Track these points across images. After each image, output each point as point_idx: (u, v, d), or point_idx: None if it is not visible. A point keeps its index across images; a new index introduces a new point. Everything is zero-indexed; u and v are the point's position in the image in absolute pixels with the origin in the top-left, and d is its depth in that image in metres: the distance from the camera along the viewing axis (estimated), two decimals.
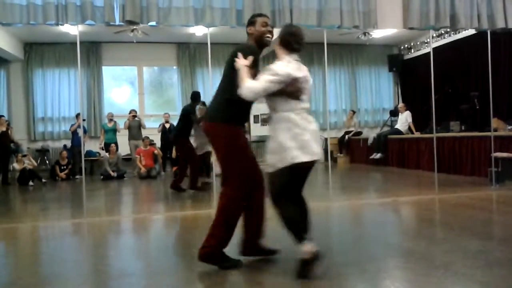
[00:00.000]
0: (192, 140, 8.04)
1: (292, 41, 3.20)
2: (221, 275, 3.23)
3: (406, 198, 6.60)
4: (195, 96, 7.99)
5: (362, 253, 3.71)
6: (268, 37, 3.43)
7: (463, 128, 9.42)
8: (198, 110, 8.15)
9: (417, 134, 10.75)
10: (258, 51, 3.39)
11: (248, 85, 3.05)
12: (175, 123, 8.92)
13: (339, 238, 4.50)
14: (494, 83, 7.26)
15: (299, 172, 3.14)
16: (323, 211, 5.91)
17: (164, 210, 6.74)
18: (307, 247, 3.01)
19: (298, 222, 3.15)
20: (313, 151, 3.09)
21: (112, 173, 11.18)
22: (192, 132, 8.04)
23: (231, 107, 3.29)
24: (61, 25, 5.92)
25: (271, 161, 3.17)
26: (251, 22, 3.48)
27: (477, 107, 9.25)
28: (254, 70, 3.21)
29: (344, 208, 6.23)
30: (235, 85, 3.16)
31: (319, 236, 4.64)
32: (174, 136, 8.47)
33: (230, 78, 3.25)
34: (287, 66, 3.13)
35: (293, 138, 3.07)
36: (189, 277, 3.27)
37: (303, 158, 3.05)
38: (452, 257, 3.40)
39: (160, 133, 11.94)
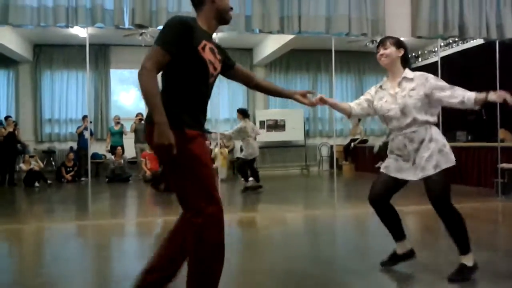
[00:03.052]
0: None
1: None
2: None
3: (412, 207, 6.56)
4: None
5: (367, 262, 3.69)
6: (231, 15, 2.64)
7: (469, 138, 9.37)
8: None
9: None
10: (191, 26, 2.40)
11: None
12: None
13: (343, 246, 4.48)
14: None
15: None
16: (328, 219, 5.89)
17: (168, 214, 6.74)
18: (472, 257, 3.16)
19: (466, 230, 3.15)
20: None
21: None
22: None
23: (176, 107, 2.37)
24: (71, 27, 5.97)
25: (434, 163, 3.10)
26: None
27: (484, 118, 9.20)
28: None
29: (349, 216, 6.21)
30: (179, 75, 2.41)
31: (323, 244, 4.64)
32: None
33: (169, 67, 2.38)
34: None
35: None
36: None
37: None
38: None
39: None
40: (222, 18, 2.58)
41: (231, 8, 2.62)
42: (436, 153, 3.10)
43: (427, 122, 3.16)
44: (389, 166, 3.28)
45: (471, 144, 8.89)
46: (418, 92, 3.13)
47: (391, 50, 3.27)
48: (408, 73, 3.24)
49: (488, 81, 9.18)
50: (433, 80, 3.16)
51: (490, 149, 8.06)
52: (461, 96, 3.05)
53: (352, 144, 13.11)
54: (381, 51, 3.30)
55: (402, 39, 3.39)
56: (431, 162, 3.08)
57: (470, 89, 3.08)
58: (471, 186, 8.42)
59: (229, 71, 2.81)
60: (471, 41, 9.67)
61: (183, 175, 2.35)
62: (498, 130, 7.45)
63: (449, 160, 3.13)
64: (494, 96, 2.97)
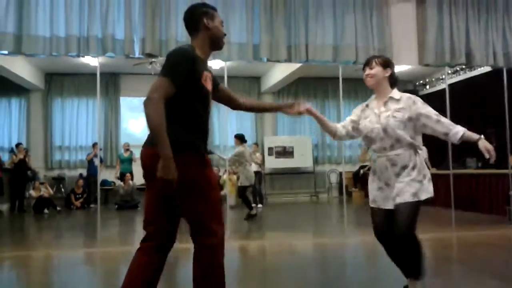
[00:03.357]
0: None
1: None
2: None
3: (423, 235, 6.42)
4: None
5: None
6: (224, 41, 2.68)
7: (479, 165, 9.31)
8: None
9: (433, 170, 10.63)
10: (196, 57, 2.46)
11: None
12: None
13: (354, 276, 4.42)
14: (511, 120, 7.21)
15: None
16: (339, 247, 5.83)
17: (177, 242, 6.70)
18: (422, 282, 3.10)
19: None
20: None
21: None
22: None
23: (188, 133, 2.41)
24: (82, 56, 6.08)
25: (413, 190, 2.99)
26: (207, 14, 2.56)
27: (494, 144, 9.13)
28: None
29: (360, 244, 6.13)
30: (183, 105, 2.42)
31: (334, 275, 4.58)
32: None
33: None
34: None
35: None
36: None
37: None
38: None
39: None
40: (216, 44, 2.61)
41: (225, 35, 2.67)
42: (415, 181, 2.99)
43: (412, 146, 3.04)
44: (376, 199, 3.15)
45: (481, 171, 8.82)
46: (403, 115, 3.01)
47: (377, 70, 3.14)
48: (395, 93, 3.11)
49: (497, 107, 9.19)
50: (420, 105, 3.03)
51: (501, 176, 7.99)
52: (447, 127, 2.98)
53: (362, 171, 13.04)
54: (367, 71, 3.18)
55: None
56: (410, 189, 2.96)
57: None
58: (483, 213, 8.32)
59: (213, 93, 2.70)
60: (479, 69, 9.70)
61: (199, 198, 2.37)
62: (509, 157, 7.40)
63: (428, 191, 3.02)
64: (483, 145, 2.90)
